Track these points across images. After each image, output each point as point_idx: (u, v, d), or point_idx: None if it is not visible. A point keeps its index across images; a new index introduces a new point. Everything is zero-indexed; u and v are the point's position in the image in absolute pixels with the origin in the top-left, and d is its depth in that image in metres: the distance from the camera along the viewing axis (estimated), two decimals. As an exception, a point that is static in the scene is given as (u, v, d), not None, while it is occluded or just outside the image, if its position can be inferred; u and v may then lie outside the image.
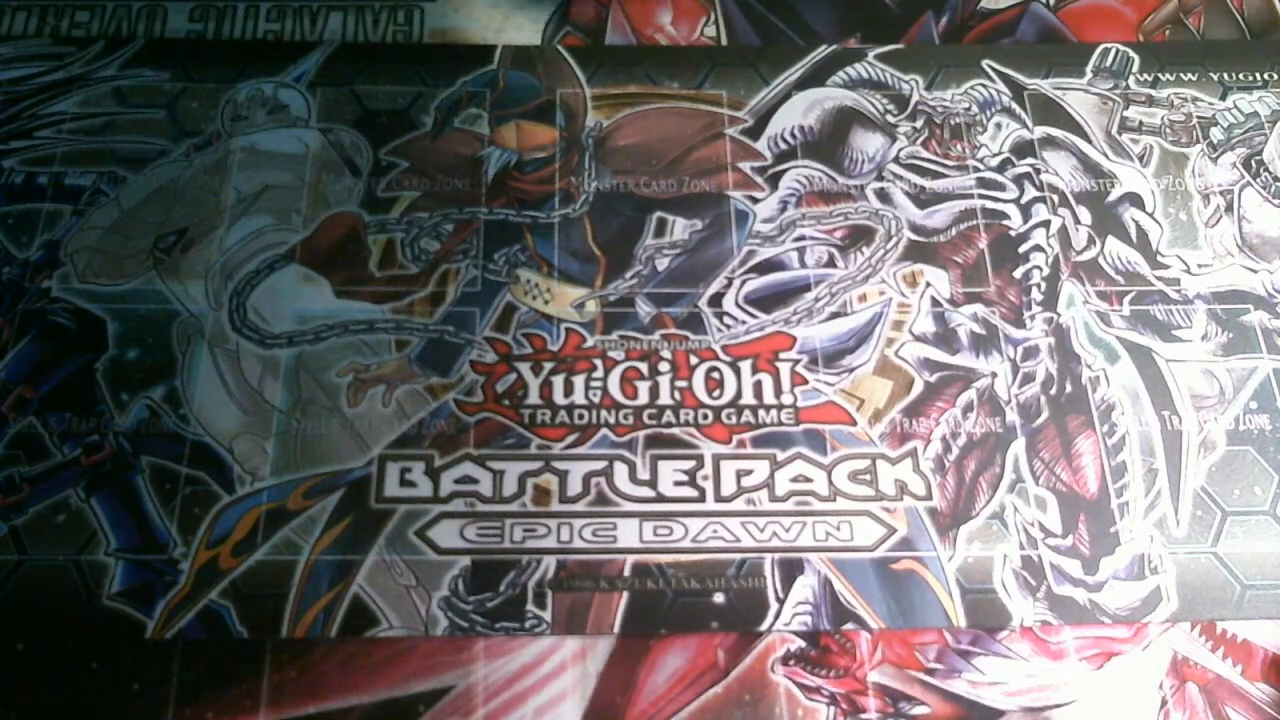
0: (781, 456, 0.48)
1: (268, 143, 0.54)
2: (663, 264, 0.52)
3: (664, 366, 0.49)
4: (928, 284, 0.52)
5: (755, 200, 0.54)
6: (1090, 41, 0.60)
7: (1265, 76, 0.59)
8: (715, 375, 0.49)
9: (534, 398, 0.49)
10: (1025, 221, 0.54)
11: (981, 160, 0.55)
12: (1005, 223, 0.54)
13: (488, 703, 0.43)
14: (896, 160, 0.55)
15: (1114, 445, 0.48)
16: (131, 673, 0.43)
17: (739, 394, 0.49)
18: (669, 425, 0.48)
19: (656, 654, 0.45)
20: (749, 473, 0.47)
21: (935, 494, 0.47)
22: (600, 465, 0.47)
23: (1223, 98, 0.58)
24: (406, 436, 0.47)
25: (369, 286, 0.51)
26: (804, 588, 0.45)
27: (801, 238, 0.53)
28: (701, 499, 0.47)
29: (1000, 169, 0.55)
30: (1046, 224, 0.54)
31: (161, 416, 0.47)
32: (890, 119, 0.57)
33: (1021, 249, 0.53)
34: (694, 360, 0.50)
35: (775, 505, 0.47)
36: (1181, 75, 0.58)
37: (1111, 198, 0.55)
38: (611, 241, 0.53)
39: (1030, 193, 0.55)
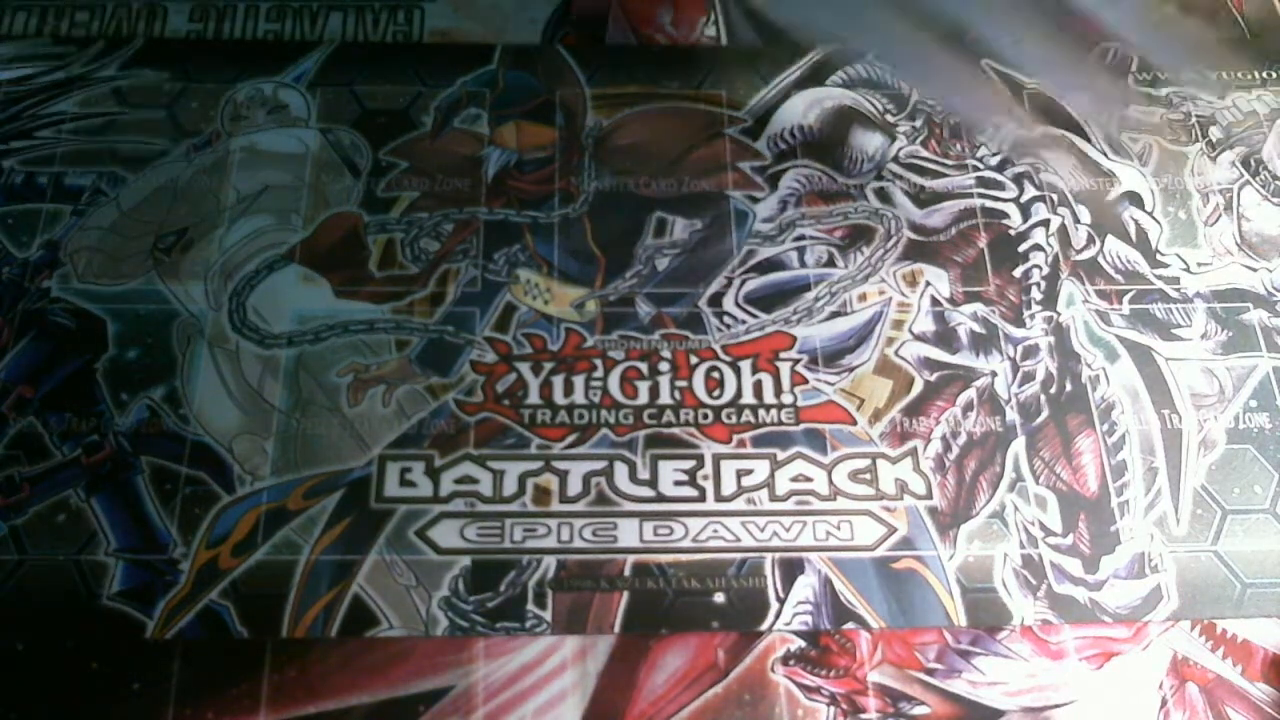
0: (781, 456, 0.48)
1: (267, 143, 0.54)
2: (663, 264, 0.52)
3: (664, 366, 0.49)
4: (927, 283, 0.52)
5: (755, 200, 0.54)
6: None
7: (1264, 75, 0.59)
8: (715, 375, 0.49)
9: (534, 398, 0.48)
10: (1025, 220, 0.54)
11: (981, 159, 0.55)
12: (1005, 222, 0.54)
13: (488, 703, 0.43)
14: (896, 159, 0.55)
15: (1114, 444, 0.48)
16: (131, 673, 0.43)
17: (739, 394, 0.49)
18: (669, 425, 0.48)
19: (656, 654, 0.44)
20: (749, 472, 0.47)
21: (935, 493, 0.47)
22: (600, 465, 0.47)
23: (1222, 96, 0.58)
24: (406, 436, 0.47)
25: (369, 286, 0.51)
26: (804, 587, 0.45)
27: (801, 237, 0.53)
28: (702, 499, 0.47)
29: (999, 168, 0.55)
30: (1046, 223, 0.54)
31: (161, 416, 0.47)
32: (889, 118, 0.57)
33: (1021, 248, 0.53)
34: (694, 360, 0.50)
35: (775, 505, 0.47)
36: (1180, 74, 0.58)
37: (1111, 196, 0.55)
38: (611, 241, 0.53)
39: (1030, 192, 0.55)
